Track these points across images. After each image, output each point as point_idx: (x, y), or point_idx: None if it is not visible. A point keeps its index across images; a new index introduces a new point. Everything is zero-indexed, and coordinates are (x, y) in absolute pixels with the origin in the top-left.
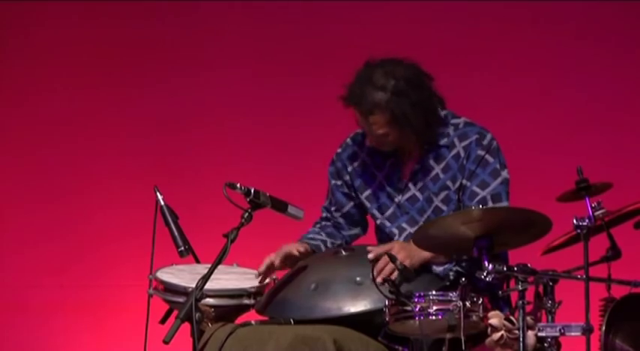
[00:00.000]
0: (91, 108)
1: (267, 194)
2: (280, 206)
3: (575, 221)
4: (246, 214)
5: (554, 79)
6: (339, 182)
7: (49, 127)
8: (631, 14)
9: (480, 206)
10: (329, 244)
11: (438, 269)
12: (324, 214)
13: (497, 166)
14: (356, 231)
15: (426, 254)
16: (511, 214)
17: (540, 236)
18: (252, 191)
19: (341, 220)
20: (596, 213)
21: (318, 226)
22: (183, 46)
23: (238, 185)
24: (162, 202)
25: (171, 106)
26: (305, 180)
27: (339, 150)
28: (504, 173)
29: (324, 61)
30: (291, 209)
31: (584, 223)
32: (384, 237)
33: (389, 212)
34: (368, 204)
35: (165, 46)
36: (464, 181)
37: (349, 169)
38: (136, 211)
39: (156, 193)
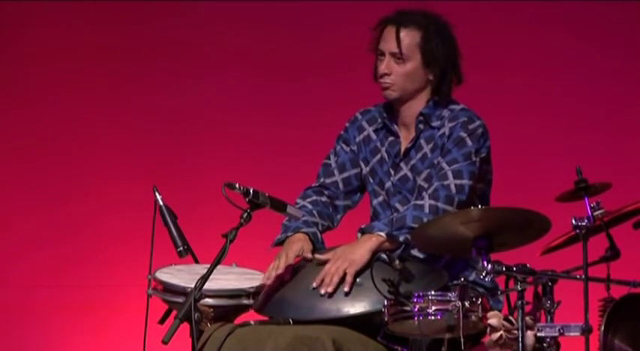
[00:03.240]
0: (90, 109)
1: (266, 194)
2: (279, 206)
3: (574, 221)
4: (245, 214)
5: (554, 79)
6: (347, 148)
7: (48, 128)
8: (631, 15)
9: (440, 181)
10: (320, 227)
11: (382, 255)
12: (320, 181)
13: (473, 150)
14: (349, 202)
15: (369, 246)
16: (510, 214)
17: (539, 236)
18: (251, 191)
19: (341, 186)
20: (595, 213)
21: (309, 200)
22: (183, 47)
23: (237, 185)
24: (161, 202)
25: (171, 107)
26: (304, 180)
27: (347, 123)
28: (476, 158)
29: (324, 61)
30: (290, 209)
31: (583, 223)
32: (381, 219)
33: (385, 188)
34: (371, 179)
35: (164, 47)
36: (439, 158)
37: (357, 140)
38: (135, 211)
39: (155, 193)
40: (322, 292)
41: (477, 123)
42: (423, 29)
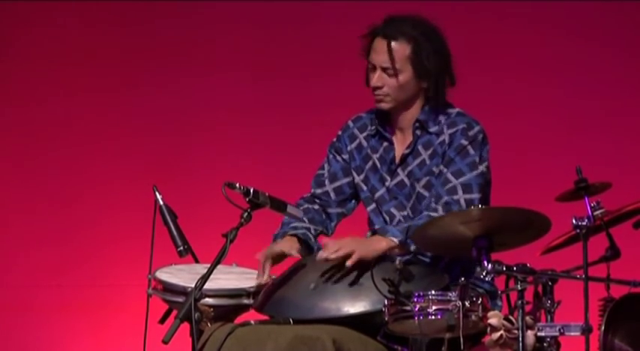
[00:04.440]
0: (90, 109)
1: (267, 194)
2: (279, 206)
3: (574, 221)
4: (246, 213)
5: (554, 78)
6: (338, 158)
7: (48, 128)
8: (631, 14)
9: (450, 195)
10: (312, 231)
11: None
12: (312, 191)
13: (477, 159)
14: (343, 210)
15: (381, 246)
16: (510, 213)
17: (539, 236)
18: (252, 191)
19: (332, 195)
20: (595, 213)
21: (302, 209)
22: (183, 47)
23: (237, 185)
24: (161, 202)
25: (171, 107)
26: (304, 180)
27: (339, 132)
28: (482, 167)
29: (324, 61)
30: (290, 209)
31: (584, 223)
32: (376, 223)
33: (377, 195)
34: (364, 187)
35: (164, 47)
36: (441, 167)
37: (348, 148)
38: (135, 210)
39: (155, 192)
40: (324, 256)
41: (477, 129)
42: (413, 41)
